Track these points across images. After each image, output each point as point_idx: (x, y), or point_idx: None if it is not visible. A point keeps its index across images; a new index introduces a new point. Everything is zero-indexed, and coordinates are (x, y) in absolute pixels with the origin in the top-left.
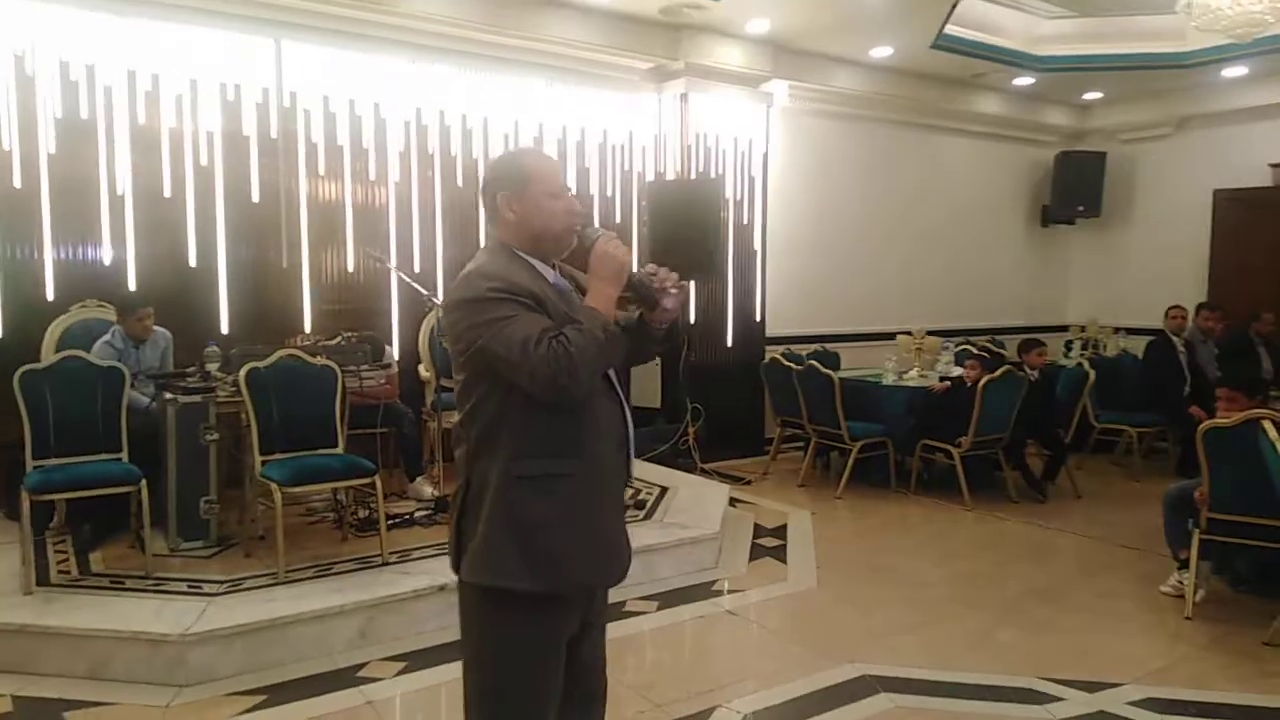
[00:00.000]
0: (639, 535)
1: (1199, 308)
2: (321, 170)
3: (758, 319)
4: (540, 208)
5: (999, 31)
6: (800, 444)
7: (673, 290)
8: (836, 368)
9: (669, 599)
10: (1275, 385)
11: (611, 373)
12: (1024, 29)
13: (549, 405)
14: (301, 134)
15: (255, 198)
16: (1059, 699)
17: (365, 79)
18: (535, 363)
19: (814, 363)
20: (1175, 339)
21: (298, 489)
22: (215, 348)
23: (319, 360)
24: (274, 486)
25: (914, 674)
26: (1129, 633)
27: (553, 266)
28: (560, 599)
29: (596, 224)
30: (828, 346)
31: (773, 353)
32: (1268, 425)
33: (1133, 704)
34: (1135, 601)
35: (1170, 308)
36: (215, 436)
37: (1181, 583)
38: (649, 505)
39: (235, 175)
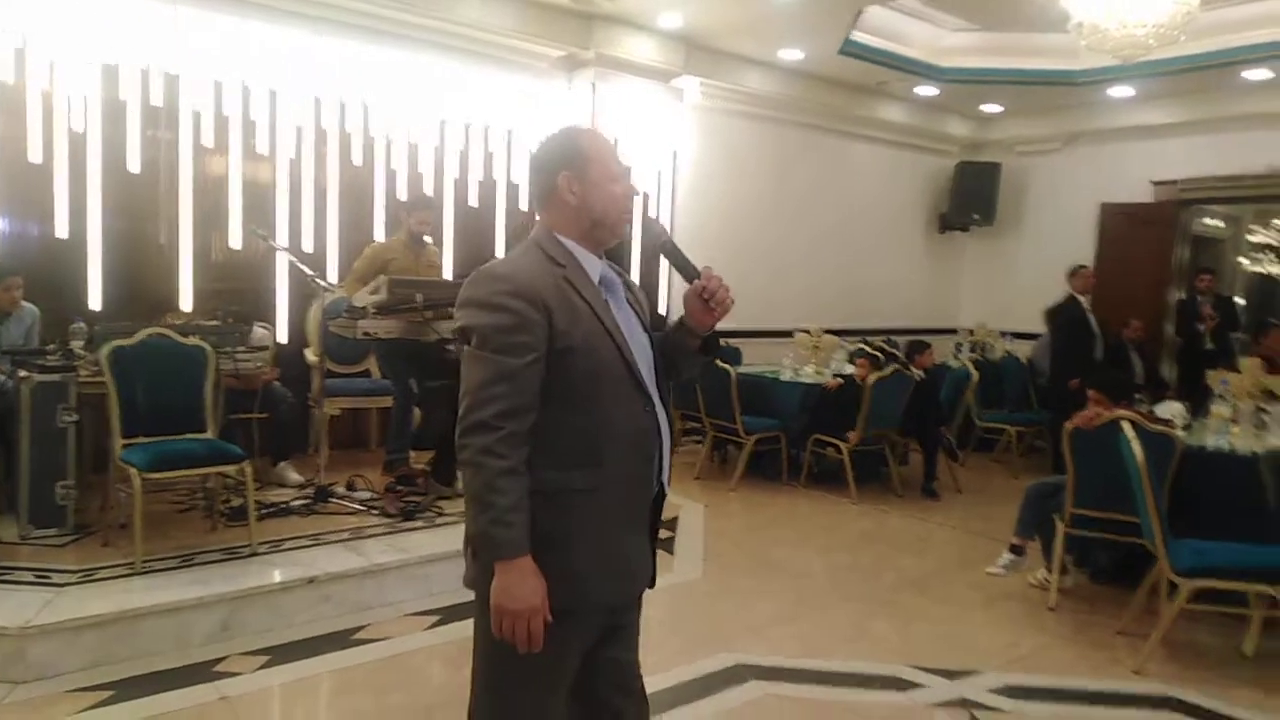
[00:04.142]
0: None
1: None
2: (208, 143)
3: (662, 312)
4: (601, 191)
5: (905, 41)
6: (699, 437)
7: (719, 309)
8: (737, 363)
9: None
10: (1145, 388)
11: (651, 383)
12: (929, 40)
13: (565, 412)
14: (187, 103)
15: (134, 168)
16: (922, 686)
17: (263, 50)
18: (474, 424)
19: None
20: (1082, 299)
21: (158, 475)
22: (82, 324)
23: (190, 340)
24: (133, 471)
25: (786, 663)
26: (995, 622)
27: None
28: (572, 613)
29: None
30: (730, 342)
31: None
32: (1127, 426)
33: (991, 690)
34: (1005, 593)
35: (1078, 267)
36: (74, 418)
37: (1048, 579)
38: None
39: (112, 144)
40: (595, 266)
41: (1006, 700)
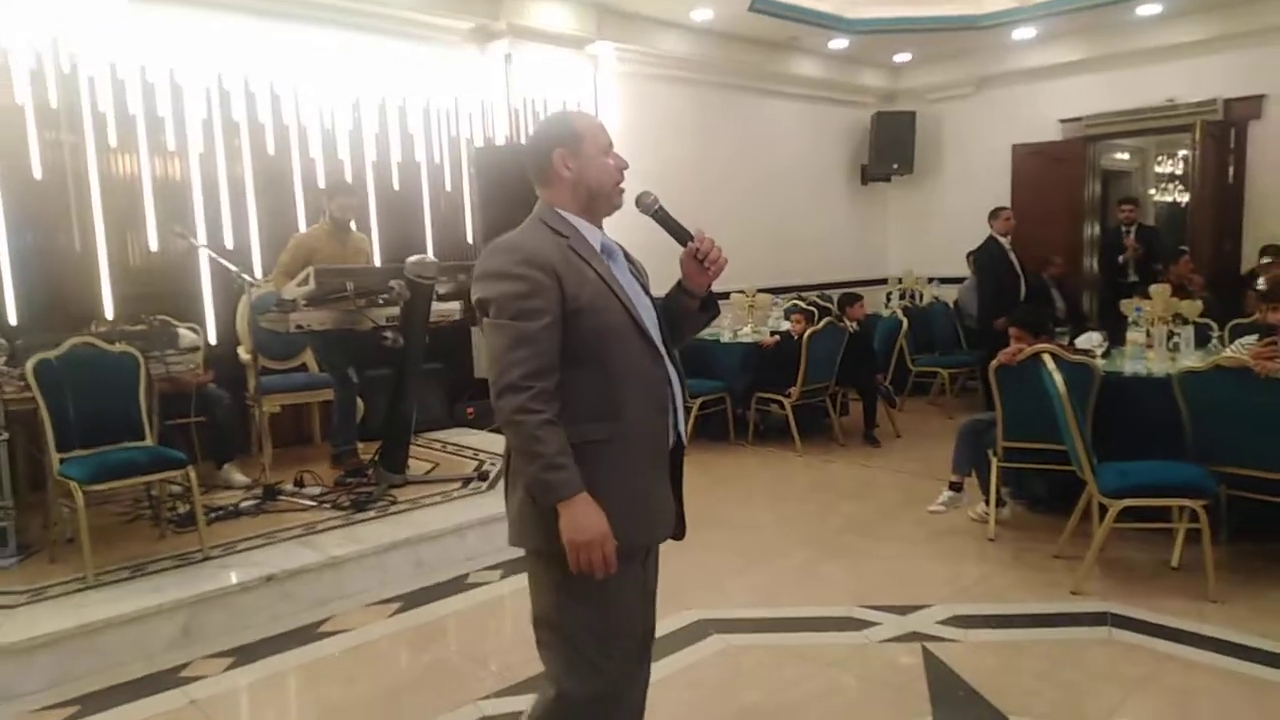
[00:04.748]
0: (482, 506)
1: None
2: (113, 142)
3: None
4: (594, 164)
5: None
6: None
7: (712, 266)
8: None
9: (513, 567)
10: (1068, 322)
11: (657, 336)
12: None
13: (581, 370)
14: (87, 103)
15: (37, 174)
16: (876, 624)
17: (157, 39)
18: (505, 387)
19: None
20: (1003, 240)
21: (100, 486)
22: (2, 341)
23: (118, 347)
24: (74, 485)
25: (743, 613)
26: (939, 557)
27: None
28: (622, 555)
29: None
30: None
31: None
32: (1047, 359)
33: (940, 622)
34: (948, 529)
35: (998, 209)
36: (3, 436)
37: (986, 512)
38: (492, 476)
39: (10, 150)
40: (596, 236)
41: (956, 630)
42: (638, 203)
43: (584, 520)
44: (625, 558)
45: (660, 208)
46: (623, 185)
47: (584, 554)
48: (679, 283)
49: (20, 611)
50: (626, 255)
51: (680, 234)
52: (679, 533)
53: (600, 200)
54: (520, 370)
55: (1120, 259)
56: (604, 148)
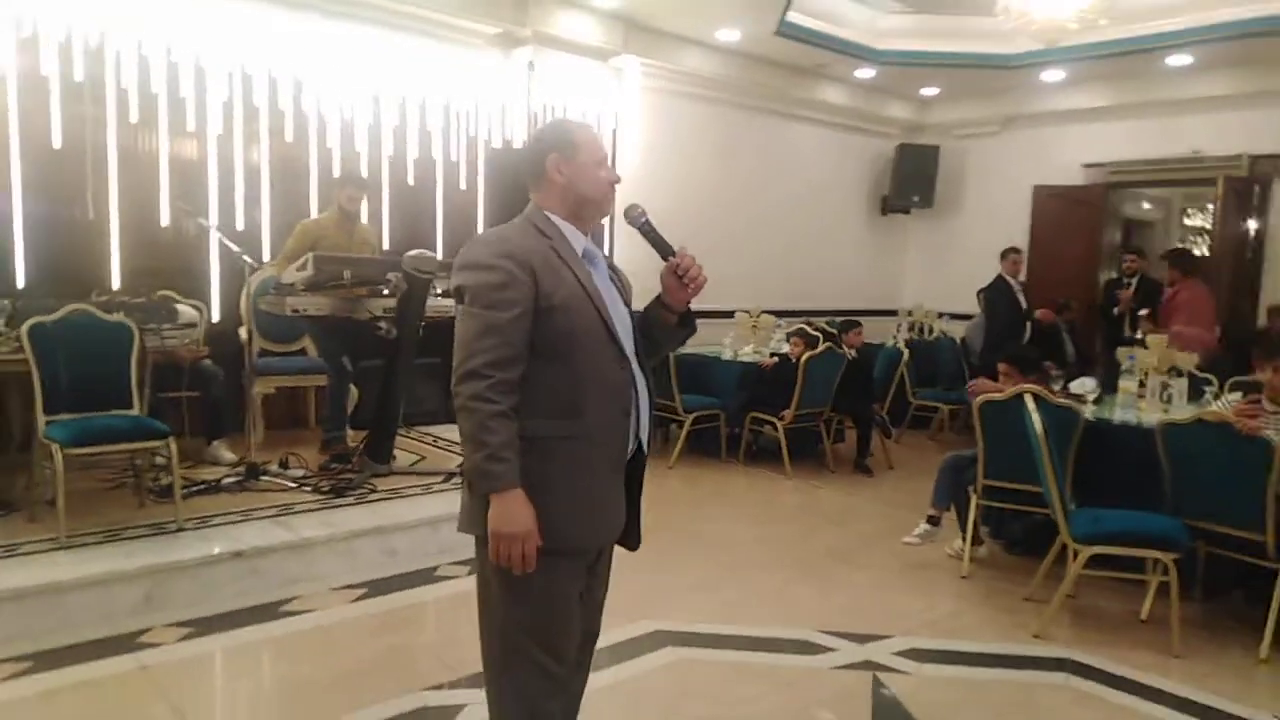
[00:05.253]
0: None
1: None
2: (134, 119)
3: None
4: (586, 174)
5: (841, 23)
6: None
7: (692, 286)
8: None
9: None
10: (1075, 367)
11: (628, 343)
12: (866, 22)
13: (548, 366)
14: (111, 78)
15: (56, 144)
16: (832, 649)
17: (185, 20)
18: (466, 373)
19: None
20: (1012, 281)
21: (80, 450)
22: (5, 303)
23: (114, 317)
24: (55, 447)
25: (702, 628)
26: (910, 589)
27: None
28: (555, 553)
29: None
30: None
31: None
32: (1028, 399)
33: (896, 654)
34: (922, 563)
35: (1008, 249)
36: None
37: (963, 549)
38: None
39: (33, 119)
40: (579, 241)
41: (909, 663)
42: (626, 214)
43: (512, 514)
44: (566, 557)
45: (646, 220)
46: (612, 198)
47: (504, 546)
48: (658, 297)
49: None
50: (611, 266)
51: (663, 248)
52: (633, 543)
53: (588, 208)
54: (484, 359)
55: (1115, 310)
56: (599, 160)
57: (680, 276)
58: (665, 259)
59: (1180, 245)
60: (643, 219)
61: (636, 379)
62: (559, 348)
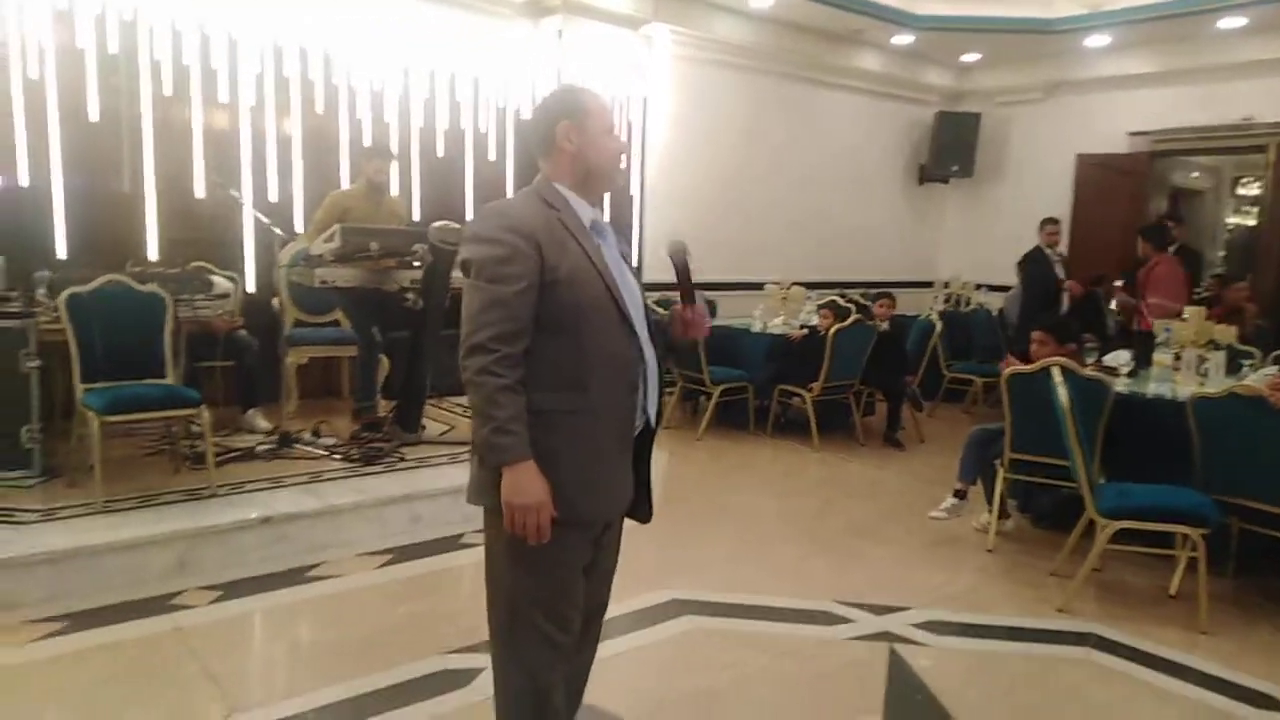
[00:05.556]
0: None
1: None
2: (168, 91)
3: (634, 265)
4: (596, 142)
5: None
6: (670, 389)
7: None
8: (713, 316)
9: None
10: (1117, 340)
11: (637, 317)
12: None
13: (554, 340)
14: (145, 51)
15: (93, 117)
16: (849, 621)
17: None
18: (472, 347)
19: None
20: (1049, 252)
21: (115, 418)
22: (46, 273)
23: (148, 287)
24: (91, 415)
25: (721, 598)
26: (932, 563)
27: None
28: (571, 525)
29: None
30: (706, 295)
31: (648, 299)
32: (1055, 371)
33: (914, 625)
34: (948, 536)
35: (1046, 220)
36: (36, 363)
37: (988, 522)
38: None
39: (69, 92)
40: (587, 213)
41: (928, 634)
42: (669, 246)
43: (524, 485)
44: (573, 529)
45: (686, 262)
46: (620, 168)
47: (519, 517)
48: (660, 322)
49: (31, 529)
50: (620, 237)
51: (689, 292)
52: (644, 516)
53: (597, 178)
54: (489, 332)
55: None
56: (608, 127)
57: (686, 324)
58: (685, 301)
59: (1154, 221)
60: (684, 257)
61: (645, 354)
62: (565, 321)
